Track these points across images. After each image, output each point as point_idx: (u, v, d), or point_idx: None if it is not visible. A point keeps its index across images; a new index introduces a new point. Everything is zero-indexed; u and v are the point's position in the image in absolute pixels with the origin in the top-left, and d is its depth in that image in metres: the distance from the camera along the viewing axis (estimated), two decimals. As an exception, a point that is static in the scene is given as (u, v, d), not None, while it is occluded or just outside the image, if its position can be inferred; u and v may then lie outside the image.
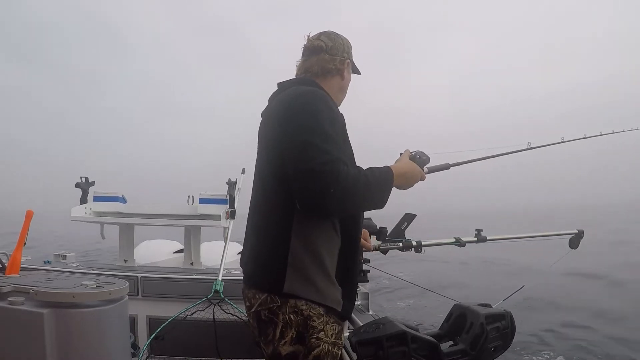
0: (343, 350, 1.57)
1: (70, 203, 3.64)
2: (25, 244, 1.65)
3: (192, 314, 2.78)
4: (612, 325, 6.82)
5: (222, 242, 3.48)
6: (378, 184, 1.26)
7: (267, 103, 1.52)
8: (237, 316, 2.77)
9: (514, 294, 2.37)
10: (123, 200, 3.82)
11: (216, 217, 3.57)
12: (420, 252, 2.13)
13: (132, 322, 3.03)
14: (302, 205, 1.20)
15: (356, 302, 2.41)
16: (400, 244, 2.06)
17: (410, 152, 1.50)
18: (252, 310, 1.33)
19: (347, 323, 1.79)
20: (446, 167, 1.75)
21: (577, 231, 2.41)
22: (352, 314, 1.78)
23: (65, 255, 3.74)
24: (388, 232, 2.05)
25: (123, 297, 1.43)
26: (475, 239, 2.23)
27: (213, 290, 2.84)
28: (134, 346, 2.82)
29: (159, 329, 2.76)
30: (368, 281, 2.11)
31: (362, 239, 1.67)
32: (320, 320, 1.25)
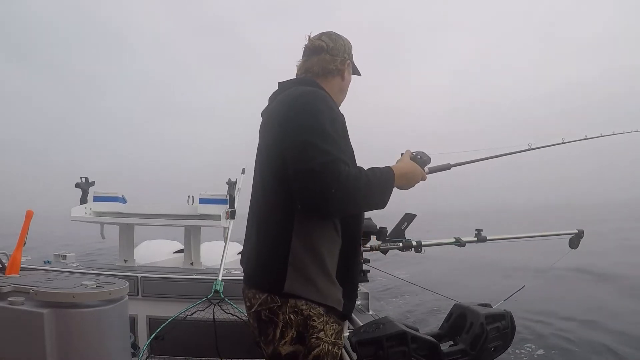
0: (343, 350, 1.57)
1: (70, 203, 3.64)
2: (25, 243, 1.65)
3: (192, 314, 2.78)
4: (612, 324, 6.82)
5: (222, 242, 3.48)
6: (379, 184, 1.26)
7: (267, 103, 1.52)
8: (237, 316, 2.77)
9: (515, 294, 2.37)
10: (123, 200, 3.82)
11: (216, 217, 3.57)
12: (420, 252, 2.14)
13: (132, 322, 3.03)
14: (303, 206, 1.20)
15: (356, 302, 2.41)
16: (400, 244, 2.06)
17: (411, 153, 1.50)
18: (252, 310, 1.33)
19: (347, 323, 1.79)
20: (447, 167, 1.75)
21: (577, 231, 2.41)
22: (352, 314, 1.78)
23: (65, 255, 3.74)
24: (388, 232, 2.05)
25: (123, 297, 1.43)
26: (475, 239, 2.23)
27: (213, 290, 2.84)
28: (134, 346, 2.82)
29: (159, 329, 2.76)
30: (368, 281, 2.11)
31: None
32: (320, 320, 1.25)
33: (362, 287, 2.79)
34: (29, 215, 1.69)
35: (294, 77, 1.54)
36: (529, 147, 2.11)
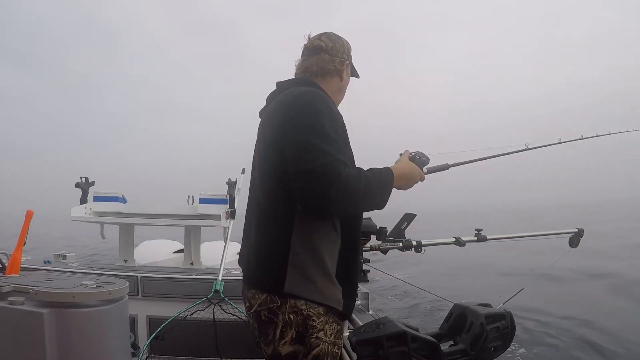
0: (343, 350, 1.57)
1: (70, 203, 3.64)
2: (25, 243, 1.65)
3: (192, 314, 2.78)
4: (611, 324, 6.82)
5: (222, 242, 3.48)
6: (378, 185, 1.26)
7: (265, 102, 1.52)
8: (237, 316, 2.78)
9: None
10: (123, 200, 3.82)
11: (216, 217, 3.57)
12: (420, 251, 2.14)
13: (132, 322, 3.03)
14: (302, 206, 1.21)
15: (356, 302, 2.41)
16: (400, 244, 2.06)
17: (410, 153, 1.51)
18: (252, 310, 1.33)
19: (347, 323, 1.79)
20: (445, 167, 1.75)
21: (577, 230, 2.41)
22: (352, 314, 1.78)
23: (65, 255, 3.74)
24: (388, 232, 2.05)
25: (123, 297, 1.44)
26: (475, 238, 2.23)
27: (213, 290, 2.84)
28: (134, 346, 2.82)
29: (159, 329, 2.76)
30: (368, 281, 2.11)
31: None
32: (320, 320, 1.25)
33: (362, 287, 2.79)
34: (29, 215, 1.69)
35: (293, 76, 1.54)
36: (526, 147, 2.12)
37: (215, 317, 2.78)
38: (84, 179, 3.70)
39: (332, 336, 1.28)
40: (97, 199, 3.72)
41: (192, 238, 3.97)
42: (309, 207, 1.19)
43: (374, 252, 2.01)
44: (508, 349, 1.62)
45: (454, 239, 2.21)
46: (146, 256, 4.62)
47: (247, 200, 1.50)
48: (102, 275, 2.91)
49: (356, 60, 1.62)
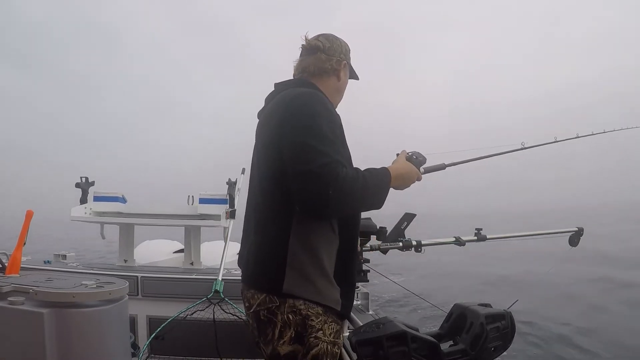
0: (343, 350, 1.57)
1: (70, 203, 3.64)
2: (25, 243, 1.65)
3: (192, 314, 2.78)
4: (610, 326, 6.83)
5: (222, 242, 3.48)
6: (376, 185, 1.27)
7: (263, 103, 1.52)
8: (237, 316, 2.78)
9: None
10: (123, 200, 3.82)
11: (216, 217, 3.57)
12: (420, 251, 2.13)
13: (132, 322, 3.03)
14: (301, 207, 1.21)
15: (356, 302, 2.41)
16: (400, 244, 2.06)
17: (407, 153, 1.51)
18: (252, 310, 1.33)
19: (347, 323, 1.79)
20: (442, 167, 1.76)
21: (576, 229, 2.41)
22: (352, 314, 1.78)
23: (65, 255, 3.74)
24: (388, 232, 2.05)
25: (123, 297, 1.44)
26: (475, 238, 2.23)
27: (213, 290, 2.84)
28: (134, 346, 2.82)
29: (159, 329, 2.76)
30: (368, 281, 2.11)
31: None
32: (319, 320, 1.26)
33: (362, 287, 2.79)
34: (29, 215, 1.69)
35: (292, 76, 1.55)
36: (522, 147, 2.13)
37: (215, 317, 2.78)
38: (84, 179, 3.70)
39: (332, 336, 1.28)
40: (97, 199, 3.72)
41: (192, 238, 3.97)
42: (307, 207, 1.20)
43: (374, 251, 2.01)
44: (508, 349, 1.62)
45: (454, 239, 2.20)
46: (146, 256, 4.62)
47: (246, 201, 1.51)
48: (102, 275, 2.91)
49: (356, 60, 1.62)
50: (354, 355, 1.48)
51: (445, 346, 1.52)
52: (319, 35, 1.54)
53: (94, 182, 3.76)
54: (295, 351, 1.25)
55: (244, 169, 3.69)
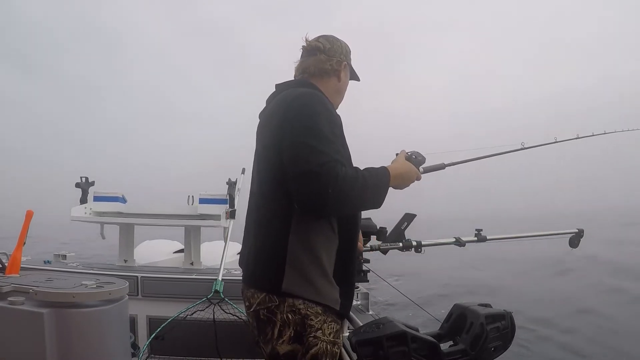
0: (343, 350, 1.57)
1: (70, 203, 3.64)
2: (24, 243, 1.65)
3: (192, 314, 2.78)
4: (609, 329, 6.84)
5: (222, 242, 3.48)
6: (375, 185, 1.27)
7: (265, 104, 1.53)
8: (237, 316, 2.77)
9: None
10: (123, 200, 3.82)
11: (216, 217, 3.57)
12: (420, 252, 2.13)
13: (132, 322, 3.03)
14: (300, 206, 1.22)
15: (356, 302, 2.41)
16: (401, 244, 2.06)
17: (406, 153, 1.51)
18: (251, 309, 1.34)
19: (347, 323, 1.79)
20: (441, 167, 1.76)
21: (577, 230, 2.41)
22: (352, 314, 1.78)
23: (65, 255, 3.74)
24: (388, 232, 2.05)
25: (123, 297, 1.44)
26: (475, 238, 2.22)
27: (213, 290, 2.84)
28: (134, 346, 2.82)
29: (159, 329, 2.76)
30: (368, 281, 2.11)
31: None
32: (318, 319, 1.26)
33: (362, 287, 2.79)
34: (28, 215, 1.69)
35: (293, 77, 1.55)
36: (522, 147, 2.13)
37: (215, 317, 2.78)
38: (83, 179, 3.70)
39: (331, 335, 1.28)
40: (97, 199, 3.72)
41: (192, 238, 3.97)
42: (306, 206, 1.20)
43: (374, 252, 2.00)
44: (508, 349, 1.62)
45: (454, 239, 2.20)
46: (146, 256, 4.62)
47: (247, 201, 1.51)
48: (102, 275, 2.91)
49: (356, 61, 1.62)
50: (354, 355, 1.48)
51: (445, 346, 1.52)
52: (319, 37, 1.55)
53: (94, 182, 3.76)
54: (294, 350, 1.25)
55: (244, 169, 3.69)
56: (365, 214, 1.64)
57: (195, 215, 3.67)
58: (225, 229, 3.54)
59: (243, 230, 1.51)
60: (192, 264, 3.94)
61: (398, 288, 3.19)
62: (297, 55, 1.57)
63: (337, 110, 1.48)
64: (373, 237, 2.00)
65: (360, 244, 1.83)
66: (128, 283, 1.50)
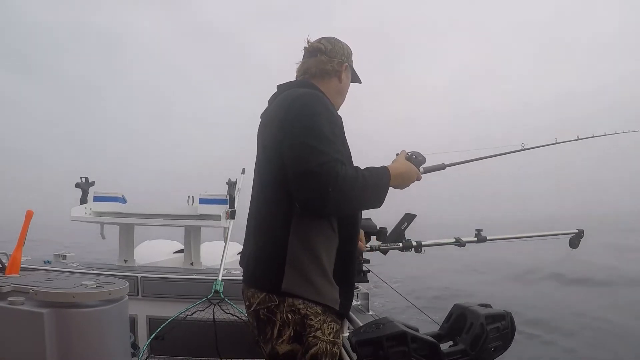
0: (343, 350, 1.57)
1: (71, 203, 3.64)
2: (24, 243, 1.65)
3: (192, 314, 2.78)
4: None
5: (222, 242, 3.48)
6: (375, 184, 1.27)
7: (266, 104, 1.53)
8: (237, 316, 2.77)
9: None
10: (123, 200, 3.82)
11: (216, 217, 3.57)
12: (420, 252, 2.13)
13: (132, 322, 3.03)
14: (300, 205, 1.22)
15: (356, 302, 2.41)
16: (401, 244, 2.05)
17: (407, 153, 1.52)
18: (252, 309, 1.34)
19: (347, 323, 1.79)
20: (442, 167, 1.76)
21: (577, 231, 2.41)
22: (352, 314, 1.78)
23: (65, 255, 3.74)
24: (388, 233, 2.04)
25: (123, 297, 1.44)
26: (475, 238, 2.22)
27: (213, 290, 2.84)
28: (134, 346, 2.82)
29: (159, 329, 2.76)
30: (368, 281, 2.11)
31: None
32: (318, 319, 1.26)
33: (362, 288, 2.79)
34: (28, 215, 1.69)
35: (294, 78, 1.56)
36: (522, 148, 2.13)
37: (215, 317, 2.78)
38: (83, 179, 3.70)
39: (331, 335, 1.28)
40: (97, 199, 3.72)
41: (192, 238, 3.97)
42: (306, 206, 1.20)
43: (374, 252, 2.00)
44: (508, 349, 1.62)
45: (454, 240, 2.20)
46: (146, 256, 4.62)
47: (248, 200, 1.52)
48: (102, 275, 2.91)
49: (358, 66, 1.62)
50: (354, 355, 1.48)
51: (445, 346, 1.52)
52: (321, 38, 1.56)
53: (94, 182, 3.76)
54: (294, 350, 1.25)
55: (244, 169, 3.69)
56: (365, 214, 1.64)
57: (195, 216, 3.67)
58: (225, 229, 3.54)
59: (244, 230, 1.51)
60: (192, 264, 3.94)
61: (397, 289, 3.19)
62: (297, 55, 1.57)
63: (338, 111, 1.48)
64: (373, 237, 2.00)
65: (361, 243, 1.83)
66: (128, 283, 1.50)
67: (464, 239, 2.20)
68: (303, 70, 1.53)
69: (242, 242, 1.51)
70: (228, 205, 3.56)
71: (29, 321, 1.25)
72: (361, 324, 1.59)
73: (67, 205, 3.69)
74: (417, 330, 1.43)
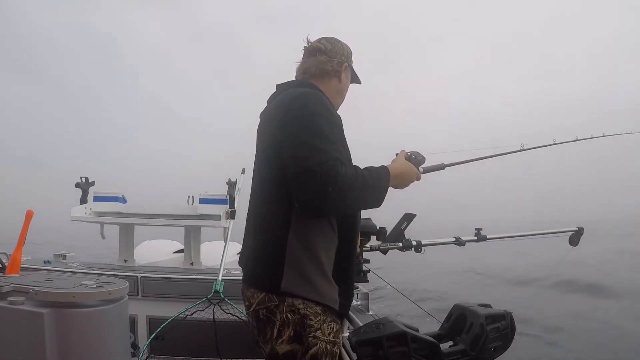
0: (343, 350, 1.57)
1: (71, 203, 3.64)
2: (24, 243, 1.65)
3: (192, 314, 2.78)
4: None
5: (222, 242, 3.48)
6: (374, 184, 1.27)
7: (265, 104, 1.53)
8: (237, 316, 2.78)
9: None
10: (123, 200, 3.82)
11: (216, 217, 3.57)
12: (420, 251, 2.13)
13: (132, 322, 3.03)
14: (299, 205, 1.22)
15: (356, 302, 2.41)
16: (400, 244, 2.06)
17: (406, 152, 1.52)
18: (251, 309, 1.34)
19: (347, 323, 1.79)
20: (441, 167, 1.76)
21: (577, 228, 2.41)
22: (352, 314, 1.78)
23: (65, 255, 3.74)
24: (388, 232, 2.05)
25: (123, 297, 1.44)
26: (475, 237, 2.23)
27: (213, 290, 2.84)
28: (134, 346, 2.82)
29: (159, 329, 2.76)
30: (368, 281, 2.11)
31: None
32: (318, 319, 1.26)
33: (362, 288, 2.79)
34: (28, 215, 1.69)
35: (294, 78, 1.56)
36: (521, 148, 2.13)
37: (215, 317, 2.78)
38: (83, 179, 3.70)
39: (330, 335, 1.28)
40: (97, 199, 3.72)
41: (192, 238, 3.97)
42: (306, 205, 1.20)
43: (374, 252, 2.00)
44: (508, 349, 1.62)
45: (454, 239, 2.20)
46: (146, 256, 4.62)
47: (248, 201, 1.51)
48: (102, 275, 2.91)
49: (359, 70, 1.62)
50: (354, 355, 1.48)
51: (445, 346, 1.52)
52: (321, 38, 1.56)
53: (94, 182, 3.76)
54: (294, 350, 1.25)
55: (244, 169, 3.69)
56: (365, 213, 1.64)
57: (195, 216, 3.67)
58: (225, 229, 3.54)
59: (243, 230, 1.51)
60: (192, 264, 3.94)
61: (397, 288, 3.19)
62: (297, 55, 1.57)
63: (337, 112, 1.48)
64: (373, 237, 2.00)
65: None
66: (128, 283, 1.50)
67: (464, 238, 2.20)
68: (302, 70, 1.53)
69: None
70: (228, 205, 3.56)
71: (29, 321, 1.25)
72: (361, 324, 1.59)
73: (67, 205, 3.69)
74: (417, 330, 1.43)
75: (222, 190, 3.64)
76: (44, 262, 3.56)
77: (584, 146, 2.42)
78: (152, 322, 3.04)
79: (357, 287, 2.24)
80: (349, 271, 1.38)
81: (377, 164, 1.35)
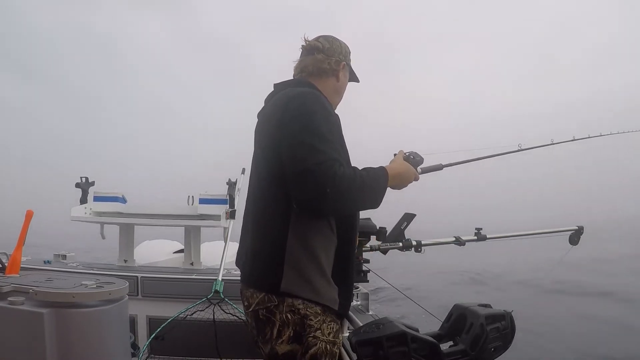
0: (343, 350, 1.57)
1: (71, 203, 3.64)
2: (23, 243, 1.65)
3: (192, 314, 2.78)
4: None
5: (222, 242, 3.48)
6: (373, 184, 1.27)
7: (263, 104, 1.53)
8: (237, 316, 2.78)
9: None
10: (123, 200, 3.82)
11: (216, 217, 3.57)
12: (420, 251, 2.13)
13: (132, 322, 3.03)
14: (298, 205, 1.22)
15: (356, 303, 2.41)
16: (400, 244, 2.05)
17: (405, 153, 1.51)
18: (250, 309, 1.33)
19: (347, 323, 1.79)
20: (439, 167, 1.76)
21: (577, 227, 2.40)
22: (352, 314, 1.78)
23: (65, 255, 3.74)
24: (388, 232, 2.04)
25: (123, 297, 1.44)
26: (475, 237, 2.22)
27: (213, 291, 2.84)
28: (134, 346, 2.82)
29: (159, 329, 2.76)
30: (368, 281, 2.11)
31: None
32: (317, 319, 1.26)
33: (362, 288, 2.79)
34: (28, 215, 1.69)
35: (292, 77, 1.55)
36: (519, 148, 2.13)
37: (215, 317, 2.78)
38: (84, 179, 3.70)
39: (330, 335, 1.28)
40: (97, 199, 3.72)
41: (192, 238, 3.97)
42: (304, 205, 1.20)
43: (374, 252, 2.00)
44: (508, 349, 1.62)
45: (454, 239, 2.20)
46: (146, 256, 4.62)
47: (246, 200, 1.51)
48: (102, 275, 2.91)
49: (359, 71, 1.62)
50: (354, 355, 1.48)
51: (445, 346, 1.52)
52: (319, 37, 1.55)
53: (94, 182, 3.76)
54: (293, 350, 1.25)
55: (244, 169, 3.69)
56: (364, 213, 1.64)
57: (195, 216, 3.67)
58: (225, 229, 3.54)
59: (241, 230, 1.50)
60: (192, 264, 3.94)
61: (397, 288, 3.19)
62: (297, 55, 1.57)
63: (336, 111, 1.47)
64: (373, 237, 2.00)
65: None
66: (128, 283, 1.50)
67: (464, 238, 2.20)
68: (300, 69, 1.52)
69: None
70: (228, 205, 3.56)
71: (29, 321, 1.25)
72: (361, 324, 1.59)
73: (67, 205, 3.69)
74: (417, 331, 1.43)
75: (222, 191, 3.64)
76: (44, 262, 3.56)
77: (582, 146, 2.42)
78: (152, 322, 3.04)
79: (357, 287, 2.24)
80: (348, 272, 1.38)
81: (375, 164, 1.35)
